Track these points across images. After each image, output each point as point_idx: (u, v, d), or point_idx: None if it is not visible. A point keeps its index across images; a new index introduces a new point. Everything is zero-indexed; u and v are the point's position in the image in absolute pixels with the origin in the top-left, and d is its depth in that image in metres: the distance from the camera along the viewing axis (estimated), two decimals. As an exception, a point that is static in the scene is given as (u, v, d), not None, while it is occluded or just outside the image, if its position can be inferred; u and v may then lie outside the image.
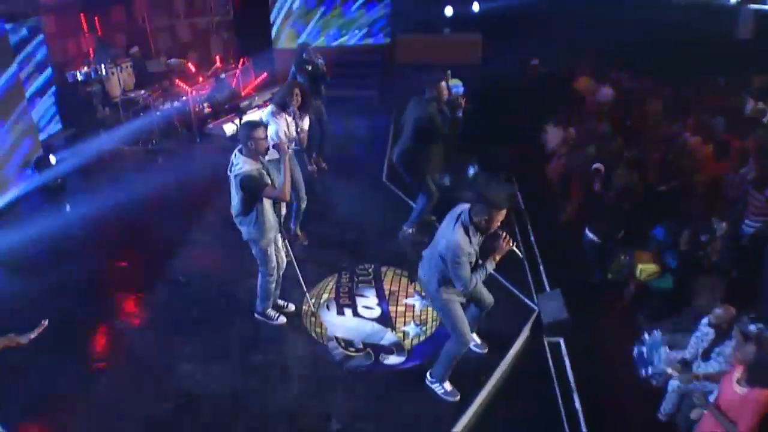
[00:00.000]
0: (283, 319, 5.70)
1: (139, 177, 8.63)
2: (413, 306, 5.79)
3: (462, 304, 4.60)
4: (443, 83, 6.16)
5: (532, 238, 6.79)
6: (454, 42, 10.68)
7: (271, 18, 11.87)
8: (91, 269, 6.53)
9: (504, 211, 4.15)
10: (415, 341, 5.35)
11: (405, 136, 6.31)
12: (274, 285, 5.54)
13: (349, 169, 8.55)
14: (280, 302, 5.84)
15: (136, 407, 4.72)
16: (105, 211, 7.41)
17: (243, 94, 11.32)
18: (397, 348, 5.28)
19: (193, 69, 11.43)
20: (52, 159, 8.96)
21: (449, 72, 7.21)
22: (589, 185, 6.82)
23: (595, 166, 6.84)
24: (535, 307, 5.59)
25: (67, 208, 8.28)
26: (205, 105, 10.59)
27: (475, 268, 4.25)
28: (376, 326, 5.57)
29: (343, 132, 9.75)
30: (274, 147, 5.13)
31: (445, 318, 4.61)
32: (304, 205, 6.65)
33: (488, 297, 4.89)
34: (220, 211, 6.63)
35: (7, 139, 8.56)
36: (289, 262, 5.63)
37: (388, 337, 5.40)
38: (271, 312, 5.69)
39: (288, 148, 6.18)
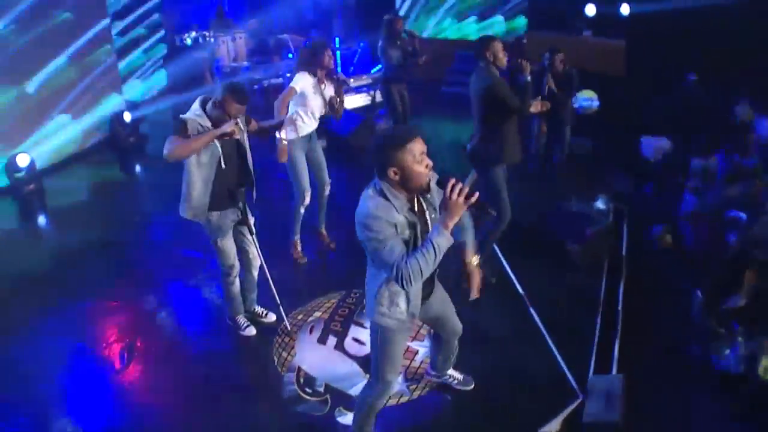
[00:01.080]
0: (252, 330, 4.52)
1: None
2: (415, 353, 4.30)
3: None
4: (497, 43, 4.59)
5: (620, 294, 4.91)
6: (594, 47, 8.85)
7: (397, 4, 10.85)
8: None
9: (416, 147, 2.59)
10: (391, 401, 3.86)
11: (474, 123, 4.84)
12: (235, 286, 4.40)
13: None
14: (259, 309, 4.68)
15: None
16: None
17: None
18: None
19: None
20: (127, 116, 8.65)
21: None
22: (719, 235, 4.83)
23: (732, 214, 4.86)
24: (581, 395, 3.83)
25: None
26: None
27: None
28: (354, 368, 4.13)
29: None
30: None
31: (371, 347, 3.13)
32: (327, 191, 5.42)
33: (453, 323, 3.40)
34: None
35: (90, 91, 8.39)
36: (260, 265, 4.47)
37: (360, 387, 3.95)
38: (240, 319, 4.55)
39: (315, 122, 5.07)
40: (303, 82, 4.85)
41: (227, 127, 3.77)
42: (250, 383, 4.09)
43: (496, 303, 4.70)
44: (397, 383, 3.30)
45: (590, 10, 8.82)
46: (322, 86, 4.93)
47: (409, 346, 4.26)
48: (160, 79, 10.52)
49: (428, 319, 3.34)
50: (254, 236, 4.31)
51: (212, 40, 10.47)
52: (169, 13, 10.77)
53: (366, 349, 4.27)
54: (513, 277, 5.00)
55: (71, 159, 8.08)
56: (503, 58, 4.57)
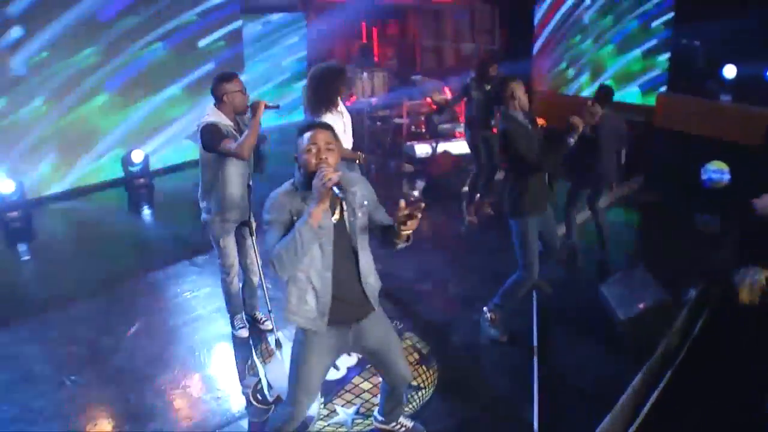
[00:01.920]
0: (244, 333, 4.58)
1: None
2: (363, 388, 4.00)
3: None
4: (516, 84, 4.21)
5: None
6: (733, 113, 7.83)
7: (533, 53, 10.56)
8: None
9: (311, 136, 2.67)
10: (328, 429, 3.61)
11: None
12: (234, 285, 4.47)
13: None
14: (259, 315, 4.72)
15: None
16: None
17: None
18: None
19: (447, 93, 10.88)
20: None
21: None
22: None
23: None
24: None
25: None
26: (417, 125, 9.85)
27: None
28: (315, 389, 3.99)
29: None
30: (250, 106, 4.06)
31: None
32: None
33: (398, 368, 3.12)
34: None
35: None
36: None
37: (311, 408, 3.75)
38: (236, 319, 4.63)
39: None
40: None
41: (259, 107, 3.90)
42: (216, 376, 4.13)
43: (500, 359, 4.28)
44: (308, 408, 3.03)
45: (729, 71, 7.83)
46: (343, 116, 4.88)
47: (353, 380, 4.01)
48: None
49: (366, 351, 3.07)
50: (254, 239, 4.37)
51: (348, 75, 10.99)
52: (312, 46, 11.56)
53: (338, 374, 4.10)
54: (535, 333, 4.51)
55: (186, 165, 8.73)
56: (525, 100, 4.22)
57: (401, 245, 2.71)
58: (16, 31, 6.99)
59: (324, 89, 4.59)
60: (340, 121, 4.75)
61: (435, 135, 9.05)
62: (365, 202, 2.80)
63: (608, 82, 8.19)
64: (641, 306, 4.66)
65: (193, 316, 4.90)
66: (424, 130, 9.45)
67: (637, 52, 8.98)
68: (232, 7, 9.20)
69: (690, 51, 8.20)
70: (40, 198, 7.38)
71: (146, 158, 7.97)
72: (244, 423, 3.68)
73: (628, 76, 9.19)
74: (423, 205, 2.63)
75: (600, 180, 5.59)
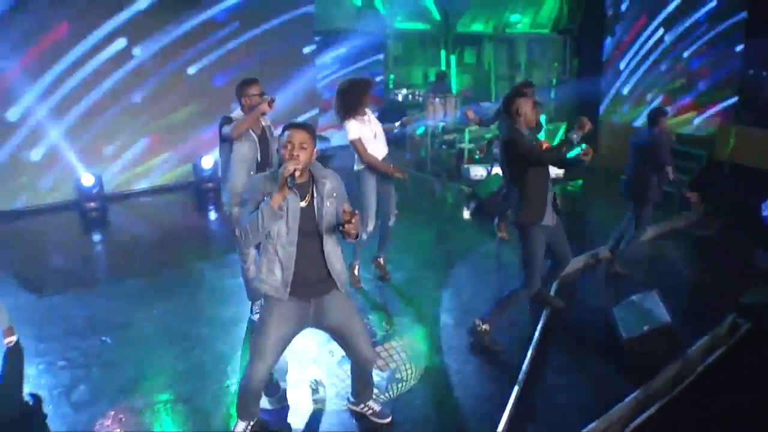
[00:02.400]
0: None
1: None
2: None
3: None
4: (524, 100, 4.36)
5: None
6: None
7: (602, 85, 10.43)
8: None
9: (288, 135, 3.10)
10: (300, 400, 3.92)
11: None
12: (250, 272, 4.88)
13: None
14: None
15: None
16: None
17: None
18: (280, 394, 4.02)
19: (471, 114, 11.04)
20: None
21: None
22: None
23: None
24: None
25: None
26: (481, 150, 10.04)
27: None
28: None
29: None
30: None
31: None
32: (392, 222, 5.62)
33: (358, 346, 3.40)
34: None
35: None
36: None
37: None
38: (255, 305, 5.03)
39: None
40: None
41: (263, 104, 4.49)
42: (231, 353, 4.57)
43: (489, 367, 4.43)
44: (263, 374, 3.23)
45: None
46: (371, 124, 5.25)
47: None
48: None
49: (327, 328, 3.38)
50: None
51: (420, 98, 11.38)
52: (392, 70, 12.10)
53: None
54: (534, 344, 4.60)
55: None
56: (531, 116, 4.39)
57: (349, 240, 3.10)
58: (119, 43, 7.99)
59: (350, 99, 5.05)
60: (368, 128, 5.16)
61: (491, 159, 9.23)
62: (334, 194, 3.17)
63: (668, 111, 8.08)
64: (646, 328, 4.65)
65: (226, 302, 5.35)
66: (483, 155, 9.65)
67: (705, 84, 8.79)
68: (305, 31, 9.93)
69: (759, 83, 7.96)
70: (117, 193, 8.30)
71: (215, 165, 8.70)
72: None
73: (697, 107, 8.99)
74: (356, 214, 3.01)
75: (642, 194, 5.68)
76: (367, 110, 5.24)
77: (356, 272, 5.64)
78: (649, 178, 5.66)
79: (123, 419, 3.74)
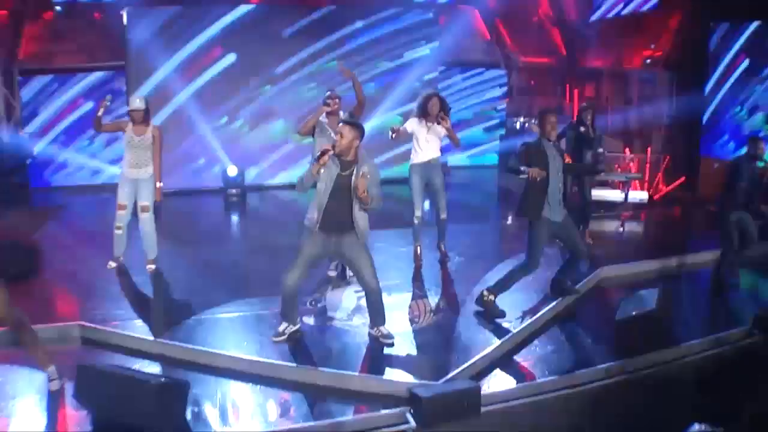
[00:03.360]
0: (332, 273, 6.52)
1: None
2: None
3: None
4: (549, 116, 5.50)
5: None
6: None
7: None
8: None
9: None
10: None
11: None
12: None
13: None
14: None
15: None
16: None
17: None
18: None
19: (627, 153, 11.58)
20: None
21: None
22: None
23: None
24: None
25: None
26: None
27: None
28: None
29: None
30: None
31: None
32: (443, 216, 6.84)
33: (365, 277, 4.80)
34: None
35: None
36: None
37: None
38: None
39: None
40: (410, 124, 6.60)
41: (322, 107, 6.07)
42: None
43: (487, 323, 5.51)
44: (291, 286, 4.73)
45: None
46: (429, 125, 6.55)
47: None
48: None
49: (342, 257, 4.91)
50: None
51: (527, 125, 12.38)
52: (513, 100, 13.23)
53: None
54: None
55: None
56: (550, 131, 5.48)
57: (363, 207, 4.63)
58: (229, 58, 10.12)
59: (420, 105, 6.54)
60: (423, 129, 6.53)
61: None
62: (368, 175, 4.56)
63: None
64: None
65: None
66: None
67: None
68: (433, 60, 11.47)
69: None
70: (255, 184, 10.44)
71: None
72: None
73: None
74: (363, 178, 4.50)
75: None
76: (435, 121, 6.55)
77: (418, 252, 6.90)
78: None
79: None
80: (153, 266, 6.49)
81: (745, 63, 9.65)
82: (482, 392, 4.25)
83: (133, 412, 3.65)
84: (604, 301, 6.28)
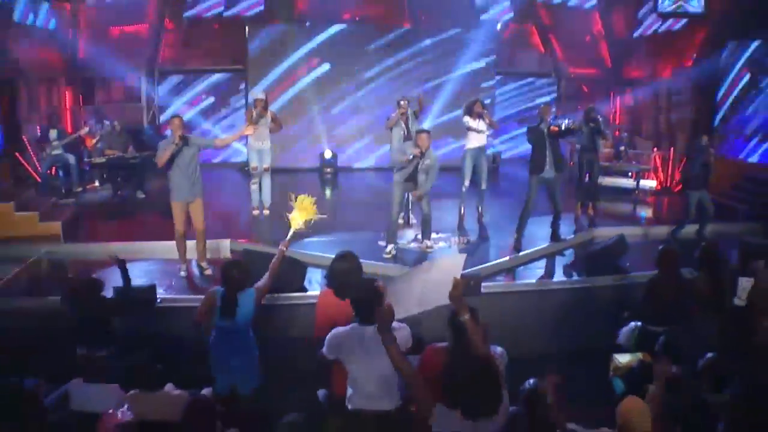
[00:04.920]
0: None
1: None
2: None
3: None
4: (544, 107, 8.50)
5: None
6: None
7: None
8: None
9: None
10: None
11: None
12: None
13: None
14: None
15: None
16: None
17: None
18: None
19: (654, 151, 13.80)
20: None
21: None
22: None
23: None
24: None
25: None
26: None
27: None
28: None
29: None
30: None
31: None
32: (484, 187, 9.52)
33: (424, 209, 7.94)
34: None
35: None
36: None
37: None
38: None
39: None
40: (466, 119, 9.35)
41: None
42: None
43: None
44: (396, 222, 7.92)
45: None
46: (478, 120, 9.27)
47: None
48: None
49: (415, 197, 7.94)
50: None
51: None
52: (560, 106, 15.70)
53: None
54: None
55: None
56: (546, 118, 8.19)
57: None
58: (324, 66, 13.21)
59: (467, 107, 9.30)
60: (472, 123, 9.23)
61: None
62: (428, 167, 7.54)
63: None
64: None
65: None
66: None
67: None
68: (490, 70, 14.21)
69: None
70: (346, 166, 13.49)
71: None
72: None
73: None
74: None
75: None
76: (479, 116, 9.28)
77: (462, 210, 9.58)
78: None
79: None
80: (267, 211, 9.56)
81: (747, 76, 11.84)
82: (483, 282, 7.01)
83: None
84: (587, 247, 8.78)
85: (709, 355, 4.19)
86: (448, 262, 3.94)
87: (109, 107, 13.42)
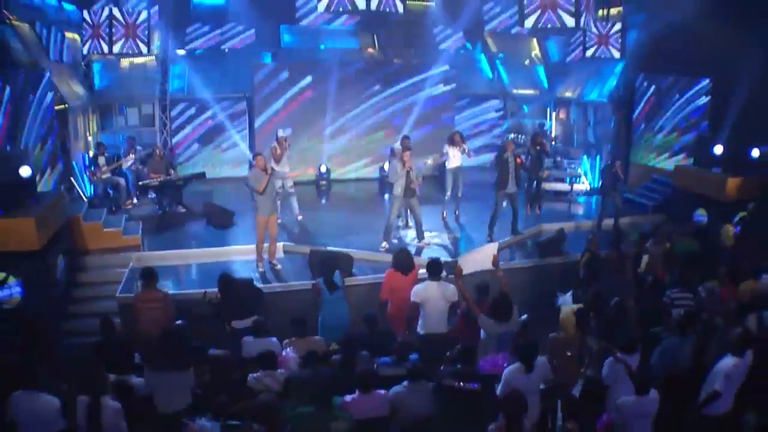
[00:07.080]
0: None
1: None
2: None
3: None
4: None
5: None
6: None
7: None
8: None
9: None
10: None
11: None
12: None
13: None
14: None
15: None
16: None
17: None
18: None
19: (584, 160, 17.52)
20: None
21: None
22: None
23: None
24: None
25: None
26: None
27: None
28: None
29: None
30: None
31: None
32: (459, 194, 12.90)
33: (417, 214, 11.02)
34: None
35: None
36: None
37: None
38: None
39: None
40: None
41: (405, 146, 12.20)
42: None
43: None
44: (392, 225, 11.03)
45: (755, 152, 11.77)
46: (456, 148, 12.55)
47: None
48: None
49: (409, 206, 11.13)
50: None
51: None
52: (510, 120, 19.28)
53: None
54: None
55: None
56: (510, 149, 11.56)
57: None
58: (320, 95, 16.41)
59: (449, 137, 12.74)
60: (452, 150, 12.56)
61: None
62: (419, 171, 10.81)
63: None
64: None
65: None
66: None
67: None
68: (450, 93, 17.65)
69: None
70: (338, 178, 16.68)
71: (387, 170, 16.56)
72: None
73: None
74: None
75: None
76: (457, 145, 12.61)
77: (444, 213, 12.96)
78: None
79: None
80: (300, 217, 12.61)
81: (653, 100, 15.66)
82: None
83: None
84: (537, 238, 12.25)
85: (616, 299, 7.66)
86: (488, 248, 7.99)
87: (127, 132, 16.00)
